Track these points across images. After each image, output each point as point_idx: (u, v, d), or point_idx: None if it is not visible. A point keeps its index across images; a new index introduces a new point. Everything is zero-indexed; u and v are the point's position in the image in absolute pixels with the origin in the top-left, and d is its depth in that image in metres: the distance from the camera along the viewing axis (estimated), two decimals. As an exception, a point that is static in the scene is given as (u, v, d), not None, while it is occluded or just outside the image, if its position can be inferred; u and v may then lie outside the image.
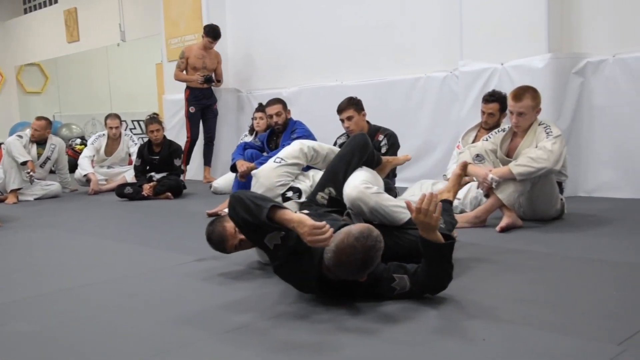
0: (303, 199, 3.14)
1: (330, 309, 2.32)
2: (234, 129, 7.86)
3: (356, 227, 2.19)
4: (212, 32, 7.27)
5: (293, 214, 2.27)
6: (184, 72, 7.41)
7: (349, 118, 4.51)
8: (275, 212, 2.27)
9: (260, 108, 6.13)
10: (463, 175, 3.34)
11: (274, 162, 3.20)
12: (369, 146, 3.16)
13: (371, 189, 2.77)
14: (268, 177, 3.18)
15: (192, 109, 7.39)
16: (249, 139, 6.29)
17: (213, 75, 7.40)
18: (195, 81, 7.29)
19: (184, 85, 7.51)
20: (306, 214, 2.80)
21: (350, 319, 2.21)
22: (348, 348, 1.95)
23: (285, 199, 3.13)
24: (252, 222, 2.30)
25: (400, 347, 1.96)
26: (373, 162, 3.24)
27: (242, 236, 2.72)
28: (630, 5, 4.73)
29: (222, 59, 7.60)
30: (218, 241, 2.87)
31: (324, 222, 2.20)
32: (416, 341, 2.00)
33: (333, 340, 2.03)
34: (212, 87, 7.51)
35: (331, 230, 2.19)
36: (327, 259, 2.20)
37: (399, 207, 2.75)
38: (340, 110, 4.59)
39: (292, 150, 3.23)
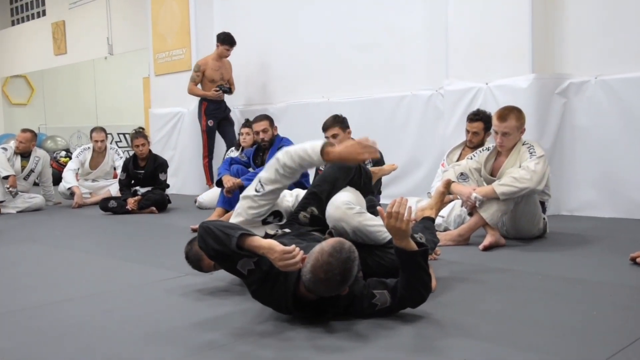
0: (283, 221, 3.12)
1: (306, 326, 2.31)
2: (221, 144, 7.84)
3: (327, 244, 2.20)
4: (229, 39, 7.13)
5: (262, 240, 2.26)
6: (199, 85, 7.27)
7: (334, 136, 4.53)
8: (245, 240, 2.26)
9: (247, 124, 6.13)
10: (446, 193, 3.37)
11: (255, 190, 2.96)
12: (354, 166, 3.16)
13: (353, 209, 2.76)
14: (242, 211, 3.00)
15: (210, 123, 7.20)
16: (235, 154, 6.28)
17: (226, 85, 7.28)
18: (213, 96, 7.15)
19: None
20: (286, 233, 2.81)
21: (324, 337, 2.21)
22: None
23: (265, 222, 3.10)
24: (223, 252, 2.29)
25: None
26: (360, 180, 3.23)
27: None
28: (612, 28, 4.81)
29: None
30: (195, 260, 2.88)
31: (293, 246, 2.20)
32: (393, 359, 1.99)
33: (302, 357, 2.02)
34: (224, 100, 7.37)
35: (301, 252, 2.20)
36: (306, 281, 2.20)
37: (381, 227, 2.76)
38: (325, 128, 4.62)
39: (270, 174, 2.94)
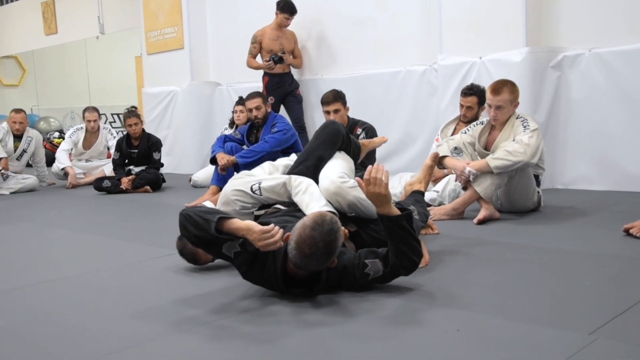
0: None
1: (292, 301, 2.32)
2: (214, 122, 7.81)
3: (308, 218, 2.21)
4: (289, 7, 6.52)
5: (240, 222, 2.25)
6: (257, 58, 6.74)
7: (336, 111, 4.50)
8: (223, 223, 2.25)
9: (240, 101, 6.10)
10: (434, 167, 3.33)
11: (251, 188, 2.93)
12: (341, 134, 3.12)
13: (348, 183, 2.76)
14: (230, 195, 2.99)
15: (271, 99, 6.33)
16: (229, 132, 6.26)
17: (285, 56, 6.58)
18: (266, 68, 6.55)
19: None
20: (274, 211, 2.80)
21: (309, 312, 2.22)
22: (291, 338, 1.98)
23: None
24: (204, 237, 2.28)
25: (352, 339, 1.97)
26: (350, 149, 3.22)
27: None
28: (605, 0, 4.77)
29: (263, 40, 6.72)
30: (190, 254, 2.86)
31: (271, 225, 2.21)
32: (383, 334, 2.01)
33: (282, 331, 2.05)
34: (292, 71, 6.76)
35: (281, 231, 2.20)
36: (292, 258, 2.20)
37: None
38: (327, 102, 4.56)
39: (276, 184, 2.88)
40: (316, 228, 2.15)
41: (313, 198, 2.74)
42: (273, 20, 6.59)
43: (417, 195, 3.13)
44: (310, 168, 2.96)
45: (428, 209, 3.32)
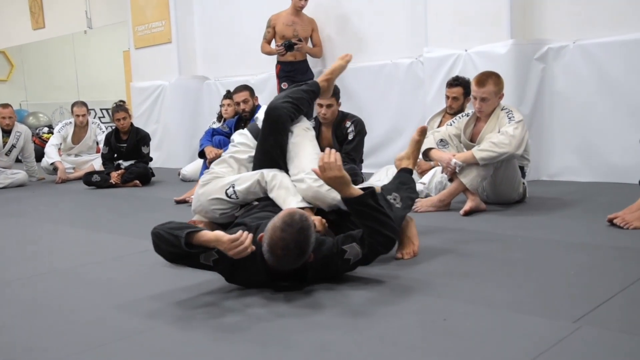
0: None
1: (264, 294, 2.35)
2: (202, 116, 7.81)
3: (278, 218, 2.21)
4: None
5: (209, 233, 2.25)
6: (272, 43, 6.37)
7: (329, 106, 4.51)
8: (192, 237, 2.25)
9: (228, 95, 6.11)
10: (422, 142, 3.24)
11: (226, 194, 2.92)
12: (283, 115, 2.98)
13: (324, 186, 2.72)
14: (207, 205, 2.99)
15: (284, 86, 6.07)
16: (217, 125, 6.27)
17: (300, 44, 6.14)
18: (278, 54, 6.18)
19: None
20: (253, 205, 2.83)
21: (280, 305, 2.23)
22: (251, 330, 2.02)
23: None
24: (178, 253, 2.29)
25: (319, 329, 2.00)
26: (305, 110, 3.16)
27: None
28: (590, -8, 4.83)
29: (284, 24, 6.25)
30: None
31: (239, 232, 2.22)
32: (353, 324, 2.03)
33: (252, 322, 2.08)
34: (305, 61, 6.34)
35: (250, 236, 2.21)
36: (267, 259, 2.22)
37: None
38: (322, 96, 4.55)
39: (250, 184, 2.89)
40: (286, 229, 2.15)
41: (289, 193, 2.78)
42: (290, 4, 6.22)
43: (403, 176, 3.03)
44: (275, 158, 2.96)
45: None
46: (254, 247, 2.22)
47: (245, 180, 2.90)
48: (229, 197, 2.90)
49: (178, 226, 2.31)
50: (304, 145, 2.99)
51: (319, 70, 6.29)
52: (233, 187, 2.89)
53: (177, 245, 2.24)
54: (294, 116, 3.05)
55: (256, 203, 2.87)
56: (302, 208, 2.67)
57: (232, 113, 5.99)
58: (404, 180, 2.99)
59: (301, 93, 3.15)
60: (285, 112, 3.00)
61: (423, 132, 3.24)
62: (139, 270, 2.91)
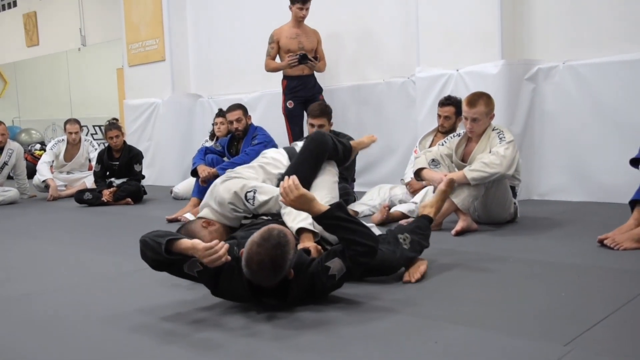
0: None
1: (247, 314, 2.35)
2: (195, 134, 7.82)
3: (257, 233, 2.23)
4: None
5: (187, 241, 2.28)
6: (276, 59, 6.04)
7: (320, 126, 4.53)
8: (172, 244, 2.28)
9: (221, 113, 6.12)
10: (448, 192, 3.31)
11: (246, 196, 2.94)
12: (328, 147, 3.14)
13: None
14: (224, 198, 3.01)
15: (290, 104, 5.84)
16: (209, 144, 6.28)
17: (314, 58, 5.83)
18: (288, 65, 5.79)
19: None
20: (257, 222, 2.84)
21: (261, 325, 2.24)
22: (229, 348, 2.02)
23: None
24: (161, 260, 2.31)
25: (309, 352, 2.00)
26: (338, 157, 3.25)
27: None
28: (579, 14, 4.88)
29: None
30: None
31: (215, 241, 2.24)
32: (340, 344, 2.03)
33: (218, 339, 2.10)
34: (315, 74, 6.01)
35: (225, 245, 2.23)
36: (244, 273, 2.23)
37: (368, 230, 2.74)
38: (314, 116, 4.58)
39: (268, 199, 2.92)
40: (262, 244, 2.17)
41: (301, 214, 2.77)
42: (291, 17, 5.94)
43: (421, 221, 3.04)
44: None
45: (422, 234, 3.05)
46: (229, 257, 2.24)
47: (266, 192, 2.93)
48: (247, 199, 2.92)
49: (162, 234, 2.34)
50: (324, 185, 3.03)
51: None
52: (254, 193, 2.92)
53: (159, 252, 2.27)
54: (332, 153, 3.15)
55: (265, 218, 2.88)
56: (307, 230, 2.68)
57: (225, 131, 6.00)
58: (420, 225, 2.99)
59: (339, 142, 3.26)
60: (331, 144, 3.14)
61: (451, 184, 3.29)
62: (130, 290, 2.90)
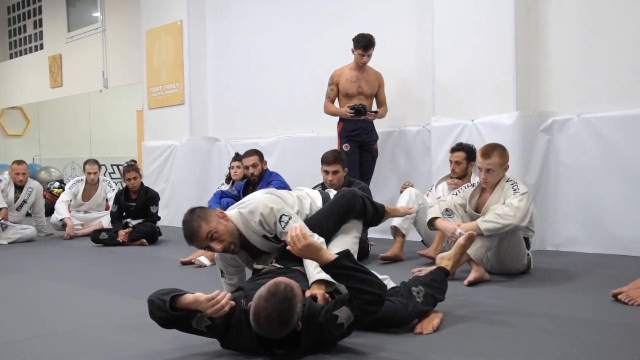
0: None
1: None
2: (211, 177, 7.89)
3: (264, 288, 2.24)
4: (362, 41, 5.55)
5: (189, 295, 2.32)
6: (336, 102, 5.87)
7: (335, 172, 4.58)
8: (176, 300, 2.32)
9: (237, 157, 6.20)
10: (468, 246, 3.32)
11: (281, 217, 2.91)
12: (356, 206, 3.15)
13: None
14: (259, 208, 2.93)
15: (345, 147, 5.65)
16: (225, 187, 6.34)
17: (367, 106, 5.66)
18: (345, 115, 5.63)
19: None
20: (272, 270, 2.85)
21: None
22: None
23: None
24: (168, 317, 2.34)
25: None
26: (366, 219, 3.27)
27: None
28: (594, 67, 4.93)
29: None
30: (188, 234, 2.87)
31: (217, 291, 2.28)
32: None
33: None
34: (373, 121, 5.75)
35: (228, 295, 2.28)
36: (253, 327, 2.25)
37: (376, 277, 2.72)
38: (328, 162, 4.64)
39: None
40: (269, 299, 2.19)
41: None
42: (353, 59, 5.72)
43: (437, 274, 3.01)
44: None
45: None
46: (233, 303, 2.28)
47: (299, 223, 2.87)
48: (280, 220, 2.89)
49: (167, 291, 2.37)
50: (340, 243, 3.02)
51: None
52: (289, 219, 2.88)
53: (164, 310, 2.30)
54: (359, 214, 3.17)
55: (277, 266, 2.87)
56: (323, 281, 2.66)
57: (241, 175, 6.06)
58: (436, 279, 2.96)
59: (373, 205, 3.30)
60: (359, 206, 3.15)
61: (471, 239, 3.31)
62: (142, 333, 2.90)
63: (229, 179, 6.52)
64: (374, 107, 5.82)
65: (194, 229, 2.82)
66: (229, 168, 6.48)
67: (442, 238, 4.41)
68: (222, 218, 2.89)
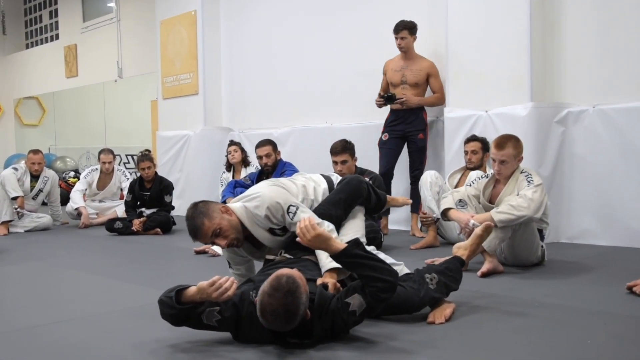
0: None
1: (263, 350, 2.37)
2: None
3: (267, 283, 2.24)
4: (401, 24, 5.48)
5: (192, 287, 2.35)
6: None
7: (344, 162, 4.58)
8: (181, 295, 2.35)
9: (232, 143, 6.55)
10: (485, 237, 3.32)
11: (289, 208, 2.86)
12: (362, 193, 3.14)
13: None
14: (266, 201, 2.88)
15: (385, 137, 5.68)
16: (227, 174, 6.42)
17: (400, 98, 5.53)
18: (378, 104, 5.67)
19: None
20: (282, 259, 2.85)
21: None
22: None
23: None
24: (177, 314, 2.37)
25: None
26: (369, 207, 3.26)
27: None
28: (609, 58, 4.88)
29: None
30: (192, 230, 2.82)
31: (216, 277, 2.31)
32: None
33: None
34: (417, 109, 5.63)
35: (231, 279, 2.31)
36: (261, 322, 2.26)
37: (387, 264, 2.71)
38: (335, 152, 4.65)
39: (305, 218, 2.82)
40: (273, 294, 2.19)
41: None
42: None
43: (452, 263, 2.99)
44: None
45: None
46: (236, 284, 2.32)
47: (307, 212, 2.86)
48: (288, 212, 2.85)
49: (172, 288, 2.40)
50: (352, 228, 3.03)
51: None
52: (297, 209, 2.85)
53: (172, 306, 2.33)
54: (365, 201, 3.16)
55: (287, 256, 2.87)
56: (334, 269, 2.66)
57: (240, 158, 6.18)
58: (451, 267, 2.95)
59: (376, 194, 3.28)
60: (365, 193, 3.13)
61: (488, 230, 3.30)
62: (155, 321, 2.92)
63: (229, 165, 6.57)
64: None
65: (197, 225, 2.75)
66: (226, 155, 6.56)
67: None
68: (225, 213, 2.82)
